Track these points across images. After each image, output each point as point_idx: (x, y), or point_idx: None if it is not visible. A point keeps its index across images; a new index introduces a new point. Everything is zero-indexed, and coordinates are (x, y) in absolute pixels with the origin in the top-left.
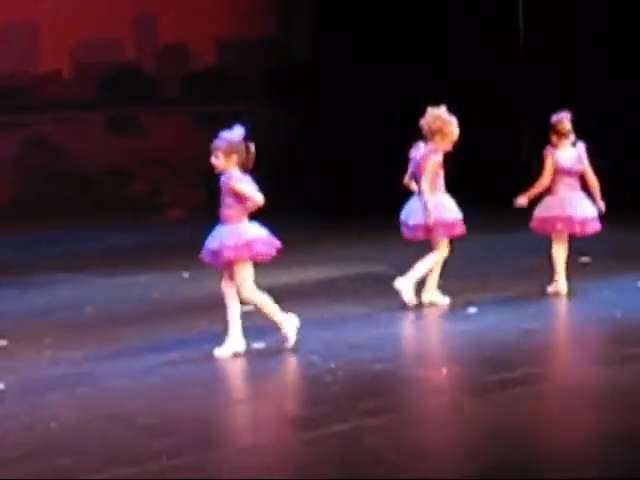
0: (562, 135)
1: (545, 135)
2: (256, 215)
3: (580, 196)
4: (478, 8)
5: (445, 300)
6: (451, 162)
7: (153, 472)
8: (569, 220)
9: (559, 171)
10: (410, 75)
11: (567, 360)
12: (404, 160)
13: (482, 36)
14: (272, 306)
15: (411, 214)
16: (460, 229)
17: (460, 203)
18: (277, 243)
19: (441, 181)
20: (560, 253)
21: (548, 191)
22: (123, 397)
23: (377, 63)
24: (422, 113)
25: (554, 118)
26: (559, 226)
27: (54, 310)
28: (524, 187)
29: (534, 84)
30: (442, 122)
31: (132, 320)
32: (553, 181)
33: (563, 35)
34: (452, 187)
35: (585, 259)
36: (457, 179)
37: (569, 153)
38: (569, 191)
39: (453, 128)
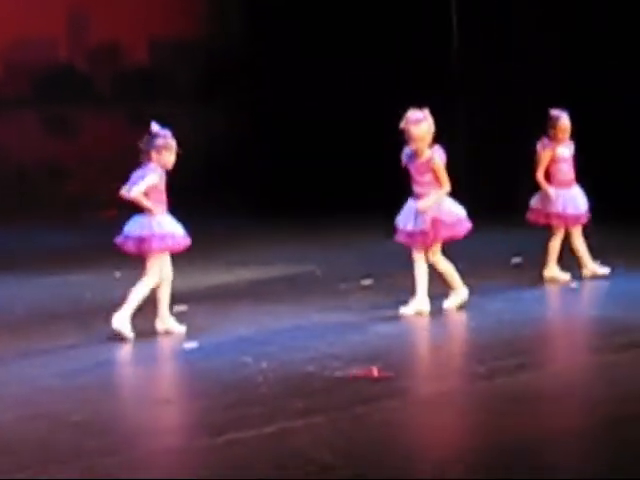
0: (561, 131)
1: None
2: (188, 211)
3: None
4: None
5: None
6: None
7: (83, 471)
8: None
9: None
10: (350, 69)
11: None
12: (339, 158)
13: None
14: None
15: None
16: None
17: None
18: None
19: None
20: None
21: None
22: (54, 396)
23: (315, 58)
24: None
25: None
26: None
27: None
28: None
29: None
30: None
31: (64, 320)
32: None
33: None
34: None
35: (517, 260)
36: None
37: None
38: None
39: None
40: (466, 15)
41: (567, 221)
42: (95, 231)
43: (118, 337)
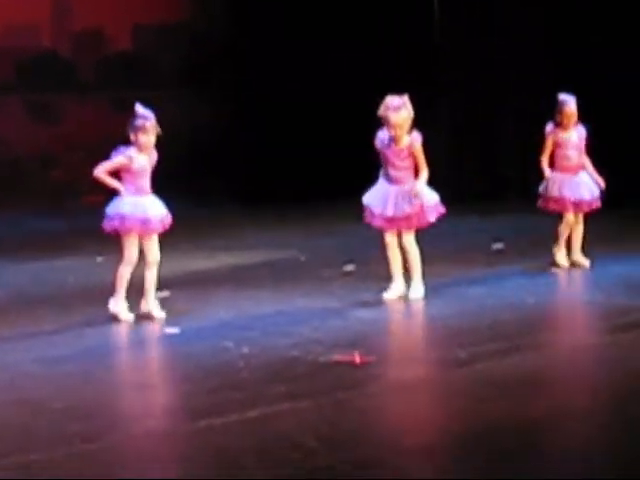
0: (566, 117)
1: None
2: (171, 196)
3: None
4: None
5: None
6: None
7: (65, 456)
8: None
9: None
10: (333, 51)
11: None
12: (323, 145)
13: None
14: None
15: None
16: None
17: None
18: None
19: None
20: (568, 229)
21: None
22: (36, 382)
23: (298, 41)
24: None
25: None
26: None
27: None
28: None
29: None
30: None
31: (46, 305)
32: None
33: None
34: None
35: (498, 246)
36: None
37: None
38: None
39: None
40: None
41: (565, 206)
42: (79, 217)
43: (116, 320)
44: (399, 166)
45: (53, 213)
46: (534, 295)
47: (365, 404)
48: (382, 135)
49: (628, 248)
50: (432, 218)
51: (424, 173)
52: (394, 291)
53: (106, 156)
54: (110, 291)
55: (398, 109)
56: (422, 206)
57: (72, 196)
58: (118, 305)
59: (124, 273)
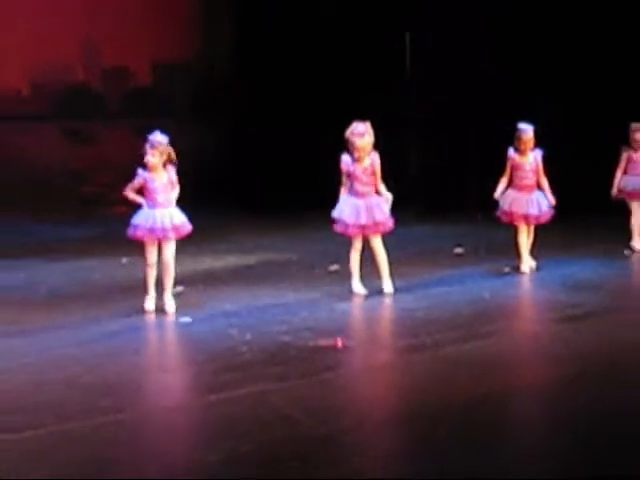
0: (523, 143)
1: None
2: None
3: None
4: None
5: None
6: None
7: (93, 428)
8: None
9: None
10: (321, 91)
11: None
12: (312, 163)
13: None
14: None
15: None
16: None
17: None
18: None
19: None
20: (523, 239)
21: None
22: (68, 362)
23: (294, 78)
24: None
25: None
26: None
27: (14, 289)
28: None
29: (422, 102)
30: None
31: (79, 298)
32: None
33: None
34: None
35: (459, 250)
36: None
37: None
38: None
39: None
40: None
41: (513, 219)
42: (106, 225)
43: (140, 311)
44: (365, 182)
45: (83, 222)
46: (490, 292)
47: (345, 382)
48: (346, 158)
49: (572, 254)
50: (392, 224)
51: (383, 187)
52: (356, 285)
53: (129, 174)
54: (132, 288)
55: (362, 135)
56: (386, 214)
57: (100, 207)
58: (147, 301)
59: (147, 272)
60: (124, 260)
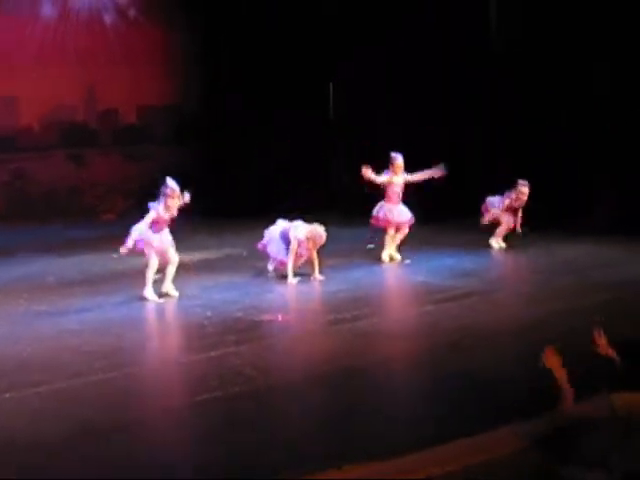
0: (397, 167)
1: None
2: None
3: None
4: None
5: None
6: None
7: (86, 383)
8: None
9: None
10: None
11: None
12: (265, 177)
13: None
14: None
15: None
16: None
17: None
18: None
19: None
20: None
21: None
22: (71, 334)
23: (246, 115)
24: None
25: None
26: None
27: (28, 278)
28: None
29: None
30: None
31: (80, 284)
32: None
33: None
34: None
35: (370, 246)
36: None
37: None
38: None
39: None
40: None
41: (389, 224)
42: (100, 228)
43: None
44: None
45: (83, 226)
46: (392, 277)
47: (284, 347)
48: None
49: (441, 248)
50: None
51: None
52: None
53: (119, 191)
54: (125, 276)
55: None
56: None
57: (95, 215)
58: (150, 293)
59: (149, 271)
60: (115, 255)
